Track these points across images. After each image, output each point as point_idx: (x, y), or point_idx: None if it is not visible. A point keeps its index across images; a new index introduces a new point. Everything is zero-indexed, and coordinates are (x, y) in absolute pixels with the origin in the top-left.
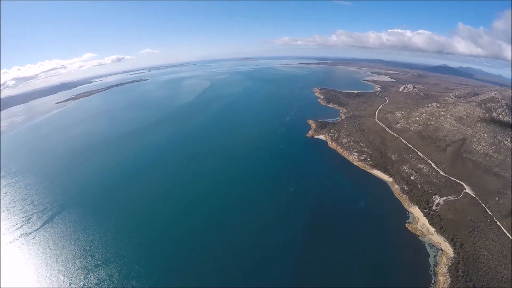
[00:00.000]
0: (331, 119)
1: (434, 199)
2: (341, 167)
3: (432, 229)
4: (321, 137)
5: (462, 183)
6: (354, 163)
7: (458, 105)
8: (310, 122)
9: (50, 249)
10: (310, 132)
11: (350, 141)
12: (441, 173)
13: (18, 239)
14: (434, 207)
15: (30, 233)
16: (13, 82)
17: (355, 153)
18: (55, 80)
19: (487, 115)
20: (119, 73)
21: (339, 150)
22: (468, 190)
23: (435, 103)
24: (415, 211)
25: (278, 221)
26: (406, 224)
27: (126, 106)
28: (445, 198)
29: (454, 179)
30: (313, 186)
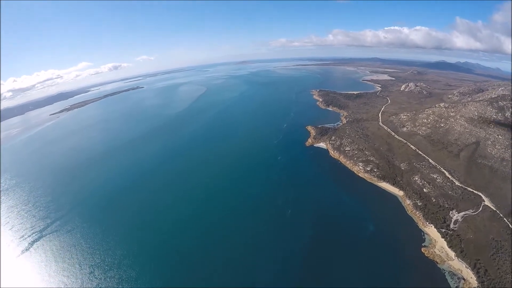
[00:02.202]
0: (332, 124)
1: (451, 215)
2: (346, 180)
3: (451, 253)
4: (322, 145)
5: (480, 194)
6: (360, 175)
7: (468, 104)
8: (309, 128)
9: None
10: (309, 140)
11: (353, 149)
12: (457, 183)
13: None
14: (452, 226)
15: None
16: (10, 93)
17: (360, 163)
18: (53, 90)
19: (499, 114)
20: (116, 81)
21: (342, 160)
22: (487, 202)
23: (443, 104)
24: (431, 231)
25: (274, 251)
26: (422, 249)
27: (118, 117)
28: (464, 213)
29: (471, 190)
30: (314, 207)
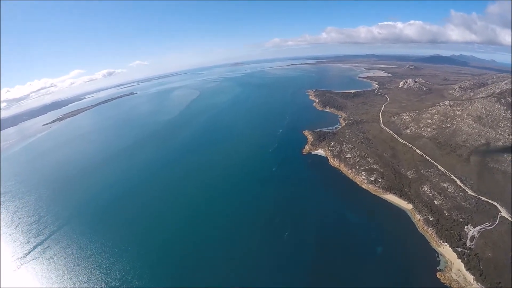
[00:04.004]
0: (330, 128)
1: (467, 231)
2: (348, 194)
3: (470, 277)
4: (320, 152)
5: (496, 203)
6: (363, 187)
7: (475, 102)
8: (306, 133)
9: None
10: (306, 147)
11: (355, 156)
12: (470, 192)
13: None
14: (468, 243)
15: None
16: (4, 104)
17: (362, 173)
18: (48, 99)
19: (509, 112)
20: (111, 88)
21: (343, 169)
22: (503, 212)
23: (447, 102)
24: (446, 251)
25: (271, 280)
26: (438, 273)
27: (110, 126)
28: (480, 227)
29: (486, 199)
30: (314, 227)
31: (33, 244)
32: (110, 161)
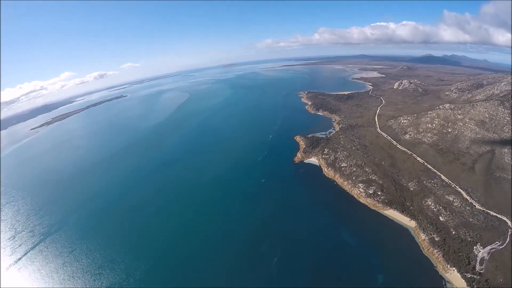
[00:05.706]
0: (323, 133)
1: (476, 252)
2: (345, 210)
3: None
4: (313, 160)
5: (505, 218)
6: (361, 201)
7: (477, 105)
8: (298, 139)
9: None
10: (298, 155)
11: (351, 165)
12: (477, 206)
13: None
14: (478, 267)
15: None
16: None
17: (360, 184)
18: (39, 102)
19: None
20: (102, 90)
21: (338, 180)
22: None
23: (448, 105)
24: (454, 277)
25: None
26: None
27: (96, 130)
28: (490, 247)
29: (495, 214)
30: (307, 252)
31: (7, 265)
32: (90, 171)
